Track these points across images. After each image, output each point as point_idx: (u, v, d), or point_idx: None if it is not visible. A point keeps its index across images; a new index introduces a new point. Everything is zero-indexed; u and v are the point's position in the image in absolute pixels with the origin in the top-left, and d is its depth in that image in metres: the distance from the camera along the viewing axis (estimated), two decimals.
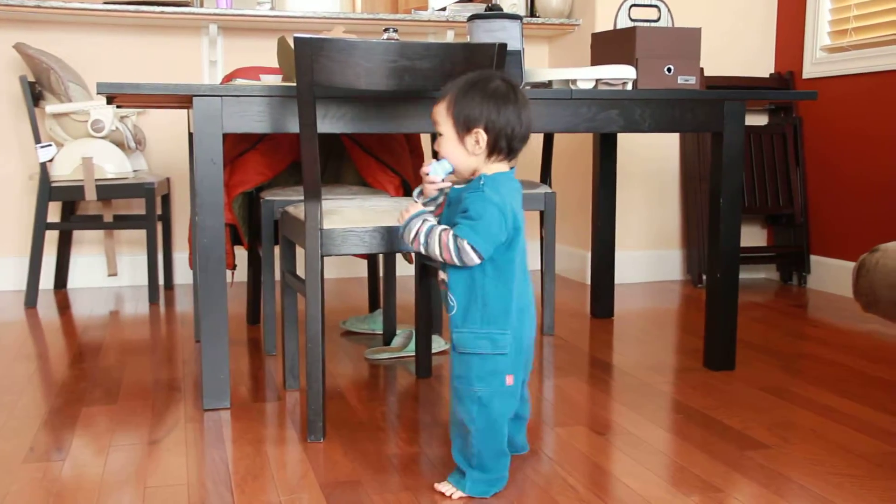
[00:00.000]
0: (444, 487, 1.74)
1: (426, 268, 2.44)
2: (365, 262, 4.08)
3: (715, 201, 2.60)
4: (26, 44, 3.60)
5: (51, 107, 3.56)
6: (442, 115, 1.74)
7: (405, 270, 4.26)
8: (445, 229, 1.69)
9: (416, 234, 1.72)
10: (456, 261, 1.68)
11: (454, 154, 1.74)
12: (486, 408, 1.70)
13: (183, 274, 4.10)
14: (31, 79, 3.60)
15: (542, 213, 3.18)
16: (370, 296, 3.28)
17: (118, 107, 2.66)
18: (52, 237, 3.92)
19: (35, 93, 3.58)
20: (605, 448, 2.00)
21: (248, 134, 2.83)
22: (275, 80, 2.48)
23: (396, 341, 2.81)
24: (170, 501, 1.70)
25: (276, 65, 3.79)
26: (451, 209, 1.77)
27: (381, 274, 3.41)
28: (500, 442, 1.73)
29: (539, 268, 4.44)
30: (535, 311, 1.82)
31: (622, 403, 2.33)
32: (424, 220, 1.73)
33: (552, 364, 2.73)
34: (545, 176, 3.35)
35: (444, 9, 4.23)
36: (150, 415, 2.22)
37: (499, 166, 1.75)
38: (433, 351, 2.72)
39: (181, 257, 4.09)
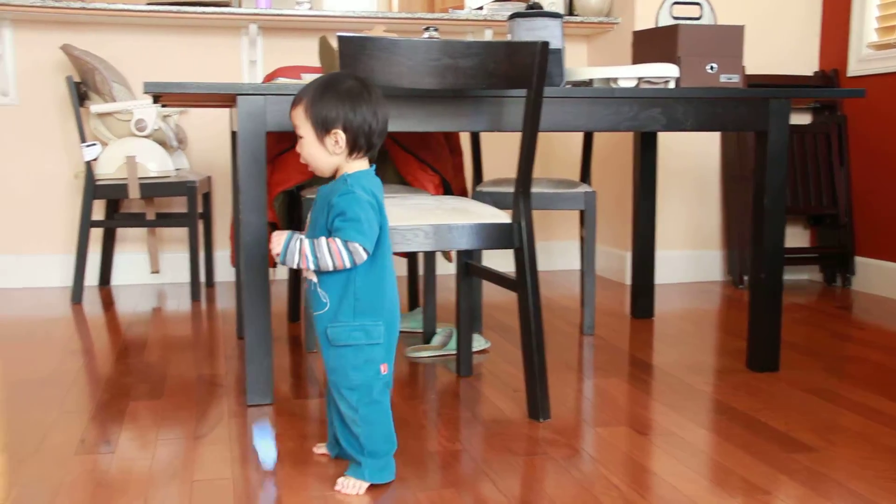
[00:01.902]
0: (346, 482, 1.76)
1: (469, 266, 2.45)
2: (403, 260, 4.09)
3: (759, 201, 2.57)
4: (72, 45, 3.65)
5: (96, 106, 3.61)
6: (300, 118, 1.77)
7: (443, 269, 4.27)
8: (329, 239, 1.71)
9: (301, 254, 1.72)
10: (349, 264, 1.71)
11: (316, 154, 1.77)
12: (364, 395, 1.74)
13: (224, 272, 4.14)
14: (76, 79, 3.65)
15: (581, 213, 3.17)
16: (409, 294, 3.29)
17: (163, 105, 2.70)
18: (96, 235, 3.98)
19: (80, 93, 3.63)
20: (647, 448, 1.99)
21: (289, 132, 2.85)
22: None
23: (436, 339, 2.82)
24: (216, 496, 1.72)
25: (315, 64, 3.81)
26: (318, 208, 1.78)
27: (420, 272, 3.42)
28: (385, 425, 1.77)
29: (578, 267, 4.43)
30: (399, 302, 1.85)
31: (664, 404, 2.31)
32: (301, 240, 1.74)
33: (592, 364, 2.72)
34: (585, 175, 3.33)
35: (481, 8, 4.24)
36: (195, 410, 2.24)
37: (360, 164, 1.79)
38: (474, 349, 2.73)
39: (222, 255, 4.13)
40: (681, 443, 2.02)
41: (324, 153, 1.76)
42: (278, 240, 1.74)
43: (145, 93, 2.10)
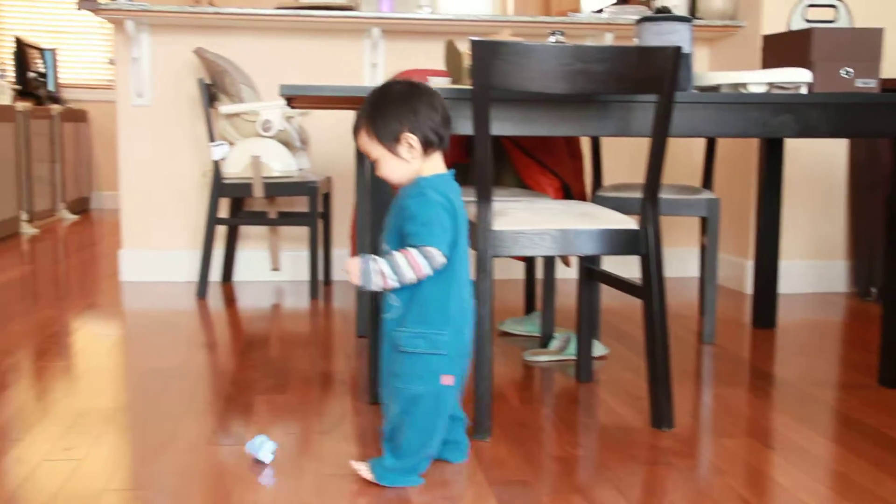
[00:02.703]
0: (361, 467, 1.79)
1: (590, 271, 2.44)
2: (520, 264, 4.09)
3: (893, 211, 2.48)
4: (204, 48, 3.79)
5: (224, 107, 3.73)
6: (367, 143, 1.77)
7: (562, 273, 4.26)
8: (403, 250, 1.70)
9: (381, 274, 1.72)
10: (429, 271, 1.70)
11: (395, 168, 1.77)
12: (421, 406, 1.72)
13: (341, 270, 4.22)
14: (207, 81, 3.78)
15: (702, 220, 3.12)
16: (526, 298, 3.30)
17: (292, 107, 2.77)
18: (220, 232, 4.11)
19: (210, 94, 3.76)
20: (773, 460, 1.94)
21: None
22: (443, 82, 2.52)
23: (554, 344, 2.81)
24: (344, 490, 1.76)
25: (434, 67, 3.86)
26: (393, 212, 1.78)
27: (538, 276, 3.41)
28: (428, 436, 1.75)
29: (694, 275, 4.36)
30: (473, 313, 1.82)
31: (788, 416, 2.26)
32: (374, 260, 1.73)
33: (713, 373, 2.67)
34: (707, 181, 3.28)
35: (600, 11, 4.21)
36: (318, 405, 2.30)
37: (436, 165, 1.78)
38: (593, 355, 2.71)
39: (339, 254, 4.21)
40: (808, 456, 1.97)
41: (401, 164, 1.76)
42: (355, 266, 1.74)
43: (281, 95, 2.16)
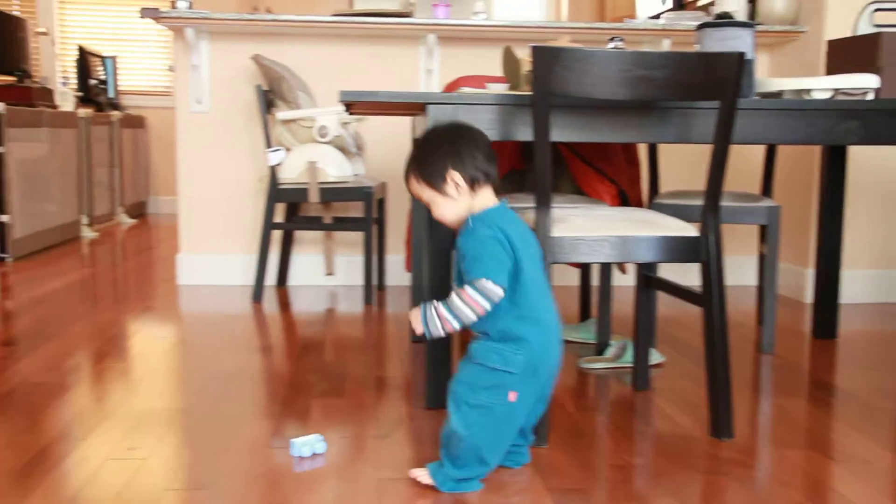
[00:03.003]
0: (420, 473, 1.79)
1: (648, 279, 2.42)
2: (574, 270, 4.07)
3: None
4: (262, 55, 3.83)
5: (281, 113, 3.77)
6: (418, 187, 1.82)
7: (617, 281, 4.22)
8: (457, 290, 1.73)
9: (440, 318, 1.75)
10: (486, 304, 1.71)
11: (447, 207, 1.81)
12: (483, 418, 1.72)
13: (394, 276, 4.24)
14: (265, 87, 3.83)
15: (761, 228, 3.08)
16: (581, 305, 3.27)
17: (351, 113, 2.79)
18: (275, 237, 4.15)
19: (267, 100, 3.80)
20: (837, 473, 1.90)
21: None
22: (501, 88, 2.52)
23: (610, 351, 2.79)
24: (402, 494, 1.76)
25: (488, 72, 3.86)
26: (456, 255, 1.81)
27: (593, 283, 3.39)
28: (490, 452, 1.74)
29: (751, 283, 4.30)
30: (559, 335, 1.81)
31: (852, 427, 2.21)
32: (432, 305, 1.76)
33: (771, 383, 2.63)
34: (766, 188, 3.23)
35: (657, 16, 4.18)
36: (374, 410, 2.30)
37: (486, 199, 1.80)
38: (650, 363, 2.69)
39: (393, 260, 4.23)
40: (872, 468, 1.93)
41: (452, 203, 1.80)
42: (416, 316, 1.78)
43: (340, 101, 2.18)
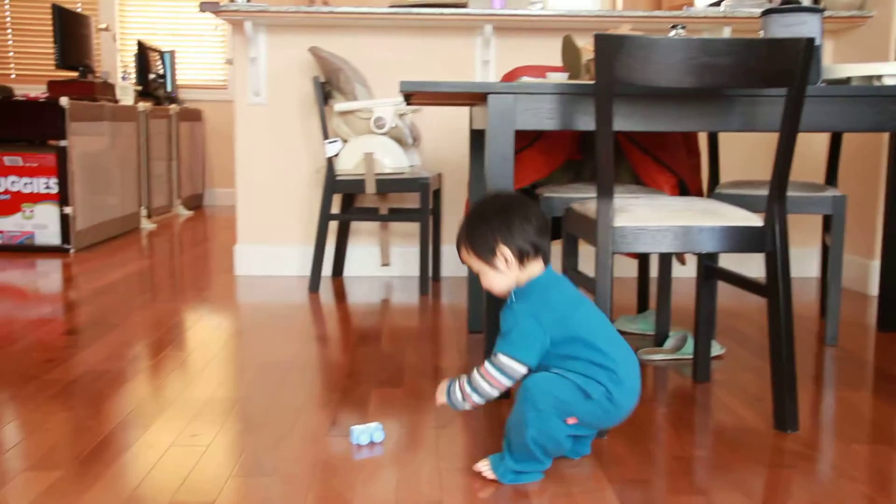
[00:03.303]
0: (484, 467, 1.79)
1: (710, 269, 2.38)
2: (632, 261, 4.03)
3: None
4: (319, 47, 3.85)
5: (339, 105, 3.79)
6: (469, 258, 1.83)
7: (677, 272, 4.18)
8: (478, 366, 1.75)
9: (462, 393, 1.77)
10: (505, 381, 1.73)
11: (496, 280, 1.81)
12: (542, 423, 1.70)
13: (449, 267, 4.24)
14: (322, 79, 3.85)
15: (825, 218, 3.01)
16: (639, 296, 3.24)
17: (410, 104, 2.78)
18: (331, 227, 4.18)
19: (325, 92, 3.82)
20: None
21: (526, 132, 2.88)
22: (561, 77, 2.50)
23: (670, 343, 2.76)
24: (462, 483, 1.76)
25: (545, 62, 3.83)
26: None
27: (651, 274, 3.35)
28: (550, 448, 1.73)
29: (813, 275, 4.22)
30: (638, 384, 1.78)
31: None
32: (455, 380, 1.79)
33: (835, 375, 2.58)
34: (831, 178, 3.16)
35: (717, 3, 4.11)
36: (432, 400, 2.29)
37: (534, 270, 1.79)
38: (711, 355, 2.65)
39: (449, 251, 4.22)
40: None
41: (501, 276, 1.80)
42: (442, 388, 1.81)
43: (401, 91, 2.18)
